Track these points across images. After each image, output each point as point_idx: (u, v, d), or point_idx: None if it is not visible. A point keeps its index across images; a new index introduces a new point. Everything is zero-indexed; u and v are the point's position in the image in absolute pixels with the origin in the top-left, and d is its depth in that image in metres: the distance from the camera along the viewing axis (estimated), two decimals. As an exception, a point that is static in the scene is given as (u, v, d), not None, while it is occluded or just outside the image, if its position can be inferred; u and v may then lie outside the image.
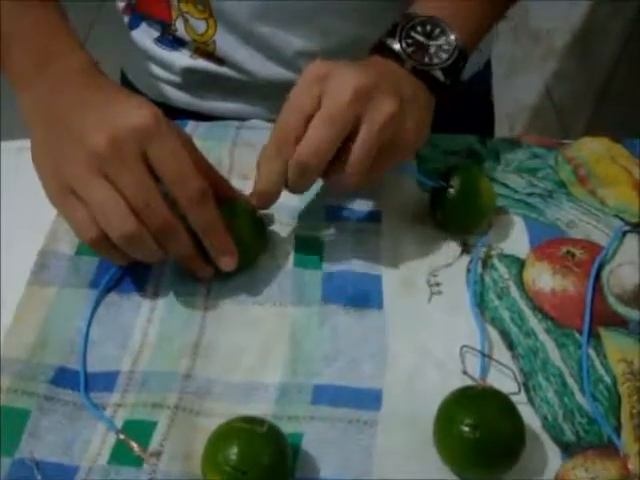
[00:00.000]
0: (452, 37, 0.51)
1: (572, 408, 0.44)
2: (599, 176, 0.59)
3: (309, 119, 0.45)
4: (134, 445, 0.41)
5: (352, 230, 0.54)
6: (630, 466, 0.42)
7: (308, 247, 0.52)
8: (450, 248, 0.53)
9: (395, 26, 0.51)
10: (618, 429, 0.43)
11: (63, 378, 0.44)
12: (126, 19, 0.69)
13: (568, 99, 1.76)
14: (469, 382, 0.44)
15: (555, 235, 0.54)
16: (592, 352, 0.47)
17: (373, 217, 0.55)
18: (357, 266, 0.51)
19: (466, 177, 0.52)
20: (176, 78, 0.68)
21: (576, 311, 0.49)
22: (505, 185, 0.58)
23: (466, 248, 0.53)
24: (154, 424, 0.42)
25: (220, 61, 0.66)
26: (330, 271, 0.51)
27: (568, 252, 0.53)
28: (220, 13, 0.62)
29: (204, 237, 0.47)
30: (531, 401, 0.45)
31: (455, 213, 0.53)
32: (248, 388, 0.45)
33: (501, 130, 0.87)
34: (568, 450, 0.42)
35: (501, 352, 0.47)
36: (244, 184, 0.54)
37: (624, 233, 0.55)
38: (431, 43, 0.50)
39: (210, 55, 0.65)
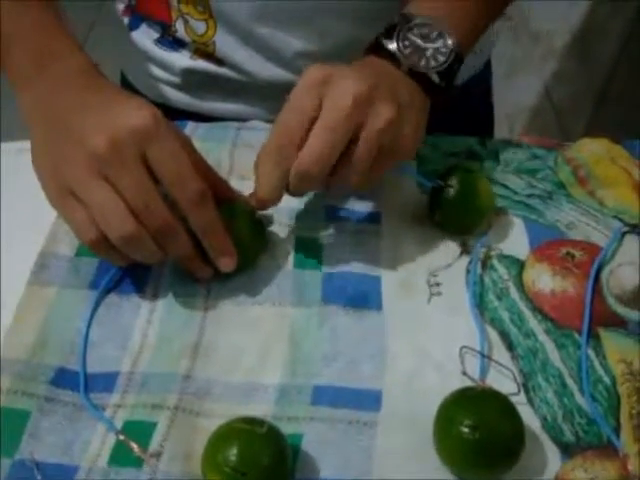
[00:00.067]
0: (450, 41, 0.51)
1: (571, 409, 0.44)
2: (599, 177, 0.59)
3: (310, 121, 0.46)
4: (134, 446, 0.41)
5: (352, 231, 0.54)
6: (629, 467, 0.42)
7: (308, 248, 0.53)
8: (449, 249, 0.53)
9: (392, 27, 0.51)
10: (617, 429, 0.43)
11: (63, 379, 0.44)
12: (126, 20, 0.69)
13: (568, 100, 1.76)
14: (469, 383, 0.44)
15: (555, 236, 0.54)
16: (591, 353, 0.47)
17: (373, 218, 0.55)
18: (357, 267, 0.51)
19: (464, 177, 0.52)
20: (176, 79, 0.68)
21: (576, 312, 0.49)
22: (505, 186, 0.58)
23: (465, 249, 0.53)
24: (154, 425, 0.42)
25: (220, 62, 0.66)
26: (330, 272, 0.51)
27: (568, 253, 0.53)
28: (220, 14, 0.62)
29: (203, 238, 0.47)
30: (531, 402, 0.45)
31: (453, 213, 0.53)
32: (248, 389, 0.45)
33: (501, 131, 0.87)
34: (567, 450, 0.43)
35: (501, 353, 0.47)
36: (243, 185, 0.54)
37: (623, 234, 0.55)
38: (428, 46, 0.50)
39: (210, 56, 0.66)
